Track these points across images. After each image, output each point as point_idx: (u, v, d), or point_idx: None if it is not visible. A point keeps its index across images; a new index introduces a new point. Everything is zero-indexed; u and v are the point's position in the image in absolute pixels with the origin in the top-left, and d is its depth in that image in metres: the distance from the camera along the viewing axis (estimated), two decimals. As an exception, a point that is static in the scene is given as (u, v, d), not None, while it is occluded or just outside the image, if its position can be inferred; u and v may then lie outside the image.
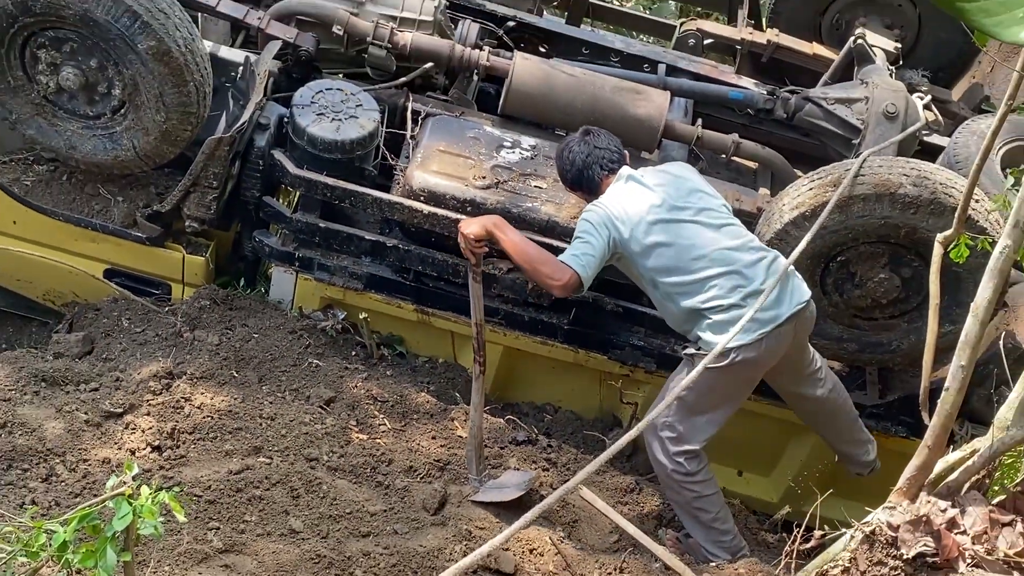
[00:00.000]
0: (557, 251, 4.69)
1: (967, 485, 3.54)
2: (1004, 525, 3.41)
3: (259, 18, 5.29)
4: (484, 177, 5.05)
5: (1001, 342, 4.49)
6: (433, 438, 4.80)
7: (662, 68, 5.73)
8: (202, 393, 4.64)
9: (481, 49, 5.43)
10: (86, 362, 4.87)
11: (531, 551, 4.22)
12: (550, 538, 4.30)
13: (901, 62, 5.85)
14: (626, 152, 4.69)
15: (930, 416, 3.54)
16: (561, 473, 4.81)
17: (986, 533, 3.38)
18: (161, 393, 4.62)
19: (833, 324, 4.97)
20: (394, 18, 5.47)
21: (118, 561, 2.75)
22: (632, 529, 4.43)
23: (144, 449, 4.34)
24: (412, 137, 5.24)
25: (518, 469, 4.69)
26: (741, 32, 6.10)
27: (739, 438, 5.16)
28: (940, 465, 3.53)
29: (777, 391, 4.86)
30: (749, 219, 4.93)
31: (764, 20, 6.26)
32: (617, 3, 8.81)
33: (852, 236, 4.66)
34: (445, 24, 5.60)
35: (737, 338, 4.16)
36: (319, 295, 5.27)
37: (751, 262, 4.39)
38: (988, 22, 1.94)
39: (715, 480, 4.67)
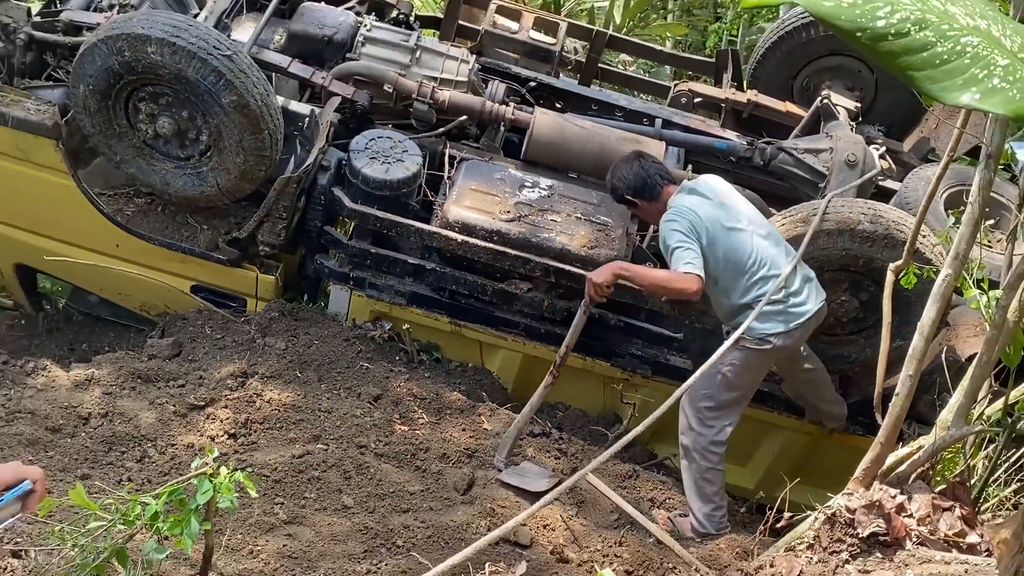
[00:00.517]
0: (574, 276, 4.70)
1: (913, 476, 3.53)
2: (945, 510, 3.39)
3: (323, 78, 5.32)
4: (509, 212, 5.05)
5: (943, 355, 4.49)
6: (463, 430, 4.79)
7: (659, 122, 5.72)
8: (271, 390, 4.66)
9: (507, 105, 5.44)
10: (175, 363, 4.89)
11: (544, 526, 4.21)
12: (560, 516, 4.30)
13: (860, 119, 5.82)
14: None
15: (883, 417, 3.54)
16: (571, 461, 4.79)
17: (929, 516, 3.35)
18: (237, 389, 4.64)
19: None
20: (435, 79, 5.49)
21: (200, 529, 2.77)
22: (630, 509, 4.42)
23: (222, 436, 4.37)
24: (449, 177, 5.25)
25: (535, 459, 4.69)
26: (726, 92, 6.09)
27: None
28: (891, 459, 3.52)
29: (780, 372, 4.89)
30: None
31: (745, 82, 6.25)
32: (622, 68, 8.82)
33: (818, 265, 4.63)
34: (477, 84, 5.63)
35: (777, 327, 4.26)
36: (369, 309, 5.27)
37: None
38: (934, 87, 1.94)
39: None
